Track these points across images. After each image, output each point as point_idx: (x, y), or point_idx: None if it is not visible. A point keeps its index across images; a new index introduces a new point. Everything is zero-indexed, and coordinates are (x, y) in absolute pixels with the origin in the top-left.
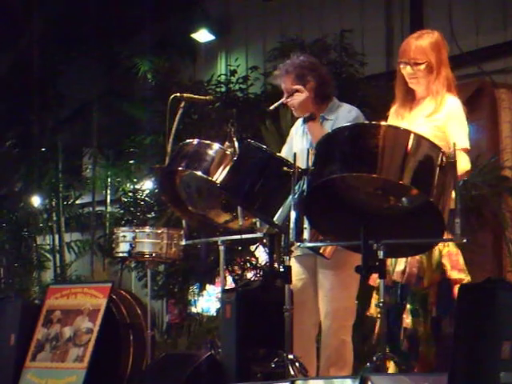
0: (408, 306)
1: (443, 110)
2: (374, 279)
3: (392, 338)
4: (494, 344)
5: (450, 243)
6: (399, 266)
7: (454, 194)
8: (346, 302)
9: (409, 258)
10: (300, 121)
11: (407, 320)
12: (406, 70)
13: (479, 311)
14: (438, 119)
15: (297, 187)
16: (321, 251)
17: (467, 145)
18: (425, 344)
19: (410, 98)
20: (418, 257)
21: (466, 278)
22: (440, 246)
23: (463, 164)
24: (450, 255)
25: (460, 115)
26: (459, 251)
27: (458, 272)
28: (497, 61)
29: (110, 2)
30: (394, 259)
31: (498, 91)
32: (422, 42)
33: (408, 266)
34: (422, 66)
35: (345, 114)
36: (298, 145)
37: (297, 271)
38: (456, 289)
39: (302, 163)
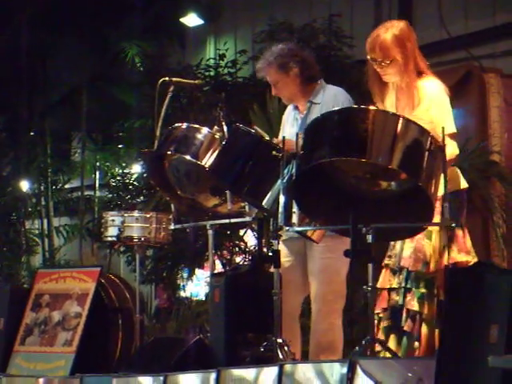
0: (413, 290)
1: (425, 98)
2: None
3: (396, 317)
4: (482, 327)
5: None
6: (406, 251)
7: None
8: (335, 286)
9: (415, 244)
10: (290, 107)
11: (412, 302)
12: (375, 66)
13: (467, 295)
14: (422, 111)
15: (286, 171)
16: (309, 235)
17: (453, 129)
18: (428, 326)
19: (388, 87)
20: (423, 242)
21: (473, 259)
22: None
23: (451, 150)
24: (456, 238)
25: (441, 99)
26: (466, 233)
27: (465, 254)
28: (485, 45)
29: None
30: (400, 244)
31: (487, 76)
32: (387, 38)
33: (414, 252)
34: (388, 63)
35: (330, 98)
36: (288, 130)
37: (284, 253)
38: None
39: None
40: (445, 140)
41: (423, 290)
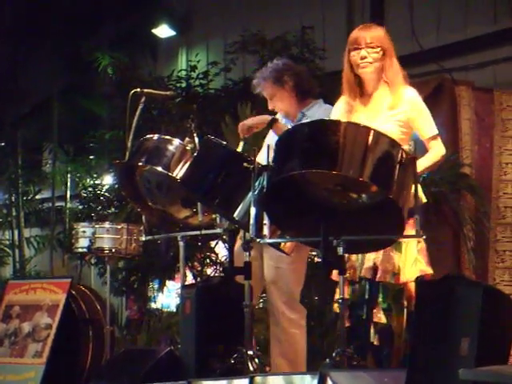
0: (380, 301)
1: (404, 101)
2: (336, 274)
3: (361, 333)
4: (453, 340)
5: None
6: (368, 262)
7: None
8: (288, 296)
9: (380, 255)
10: (280, 116)
11: (379, 315)
12: (359, 55)
13: (438, 307)
14: (400, 112)
15: (257, 183)
16: (280, 247)
17: (436, 131)
18: (399, 338)
19: (360, 90)
20: (391, 253)
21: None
22: (415, 241)
23: (441, 150)
24: (423, 250)
25: (423, 104)
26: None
27: (430, 267)
28: (457, 58)
29: None
30: (361, 255)
31: (458, 88)
32: (376, 30)
33: (381, 263)
34: (377, 49)
35: (322, 113)
36: (273, 138)
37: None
38: None
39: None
40: (435, 141)
41: (391, 302)
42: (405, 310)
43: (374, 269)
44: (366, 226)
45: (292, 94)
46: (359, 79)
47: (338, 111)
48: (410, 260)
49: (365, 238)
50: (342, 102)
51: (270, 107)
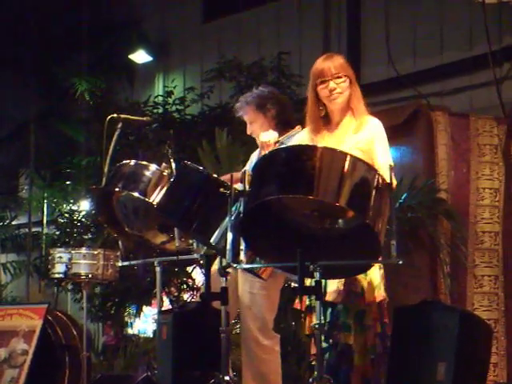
0: (340, 322)
1: (366, 129)
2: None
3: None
4: (430, 365)
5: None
6: (332, 285)
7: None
8: (262, 322)
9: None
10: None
11: (339, 336)
12: (328, 88)
13: (415, 332)
14: (361, 140)
15: (234, 208)
16: (258, 272)
17: (391, 161)
18: (360, 357)
19: (324, 123)
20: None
21: None
22: (378, 265)
23: (394, 181)
24: (383, 277)
25: (384, 134)
26: None
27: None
28: (433, 83)
29: (47, 22)
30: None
31: (434, 114)
32: (338, 59)
33: (345, 285)
34: (344, 79)
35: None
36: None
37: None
38: None
39: None
40: (381, 168)
41: (351, 322)
42: (368, 330)
43: (339, 292)
44: (342, 250)
45: (273, 123)
46: (325, 110)
47: (301, 139)
48: (375, 282)
49: (341, 263)
50: (306, 133)
51: (248, 132)
